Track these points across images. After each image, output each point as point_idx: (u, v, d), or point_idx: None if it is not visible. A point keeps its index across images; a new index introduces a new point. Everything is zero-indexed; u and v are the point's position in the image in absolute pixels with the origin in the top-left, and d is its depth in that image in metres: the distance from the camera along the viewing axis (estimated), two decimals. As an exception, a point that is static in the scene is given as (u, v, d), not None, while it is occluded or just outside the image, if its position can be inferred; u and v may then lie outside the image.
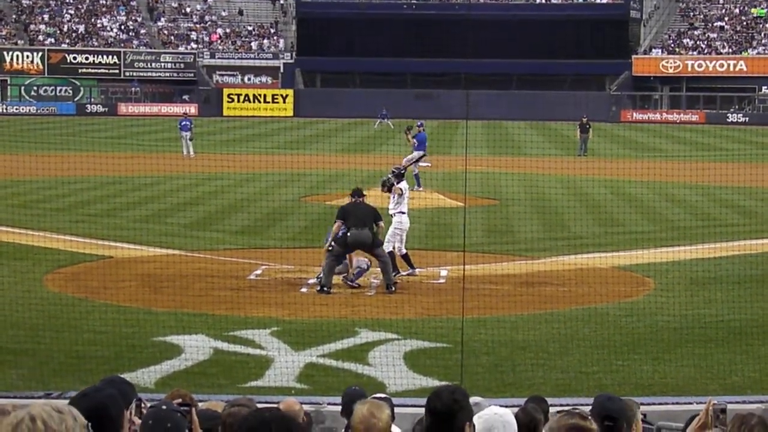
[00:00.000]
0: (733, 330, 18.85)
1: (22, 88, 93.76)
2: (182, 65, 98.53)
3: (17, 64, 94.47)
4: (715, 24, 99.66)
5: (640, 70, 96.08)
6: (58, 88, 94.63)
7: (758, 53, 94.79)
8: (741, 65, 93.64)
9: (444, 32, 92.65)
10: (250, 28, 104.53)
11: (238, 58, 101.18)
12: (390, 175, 24.43)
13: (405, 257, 23.79)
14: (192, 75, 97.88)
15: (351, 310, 20.64)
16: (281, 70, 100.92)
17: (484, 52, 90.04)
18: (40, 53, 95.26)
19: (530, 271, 24.47)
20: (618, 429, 7.24)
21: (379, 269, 22.80)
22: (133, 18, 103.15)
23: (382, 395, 9.09)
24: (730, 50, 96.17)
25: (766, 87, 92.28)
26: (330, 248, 21.95)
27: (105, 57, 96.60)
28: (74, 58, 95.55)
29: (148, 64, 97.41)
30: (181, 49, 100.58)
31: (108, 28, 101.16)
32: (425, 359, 17.10)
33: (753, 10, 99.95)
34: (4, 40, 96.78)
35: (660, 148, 65.31)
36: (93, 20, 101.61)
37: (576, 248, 28.23)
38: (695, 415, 7.43)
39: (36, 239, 27.89)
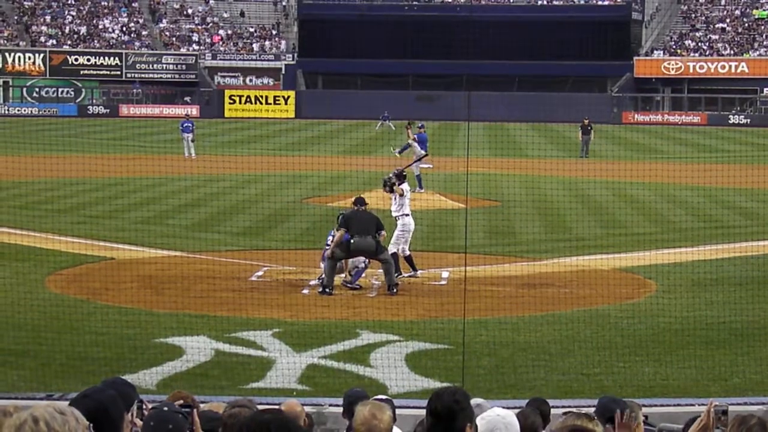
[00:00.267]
0: (735, 332, 18.84)
1: (24, 89, 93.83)
2: (184, 67, 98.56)
3: (19, 65, 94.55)
4: (716, 26, 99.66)
5: (642, 72, 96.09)
6: (60, 90, 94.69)
7: (760, 55, 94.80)
8: (742, 67, 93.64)
9: (446, 34, 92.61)
10: (251, 30, 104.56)
11: (240, 60, 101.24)
12: (391, 175, 24.44)
13: (408, 259, 23.80)
14: (194, 76, 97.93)
15: (352, 312, 20.64)
16: (283, 72, 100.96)
17: (486, 53, 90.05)
18: (42, 55, 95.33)
19: (532, 273, 24.46)
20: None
21: (379, 270, 22.81)
22: (135, 19, 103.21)
23: (384, 397, 9.09)
24: (732, 52, 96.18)
25: (767, 88, 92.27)
26: (331, 255, 21.95)
27: (107, 58, 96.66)
28: (76, 60, 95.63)
29: (150, 66, 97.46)
30: (183, 50, 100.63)
31: (110, 30, 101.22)
32: (426, 361, 17.10)
33: (754, 11, 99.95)
34: (6, 42, 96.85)
35: (661, 150, 65.29)
36: (95, 22, 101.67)
37: (577, 250, 28.24)
38: (695, 416, 7.44)
39: (38, 240, 27.91)
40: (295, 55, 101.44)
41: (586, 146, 59.50)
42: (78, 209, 34.91)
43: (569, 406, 9.86)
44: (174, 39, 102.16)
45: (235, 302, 20.87)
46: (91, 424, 4.62)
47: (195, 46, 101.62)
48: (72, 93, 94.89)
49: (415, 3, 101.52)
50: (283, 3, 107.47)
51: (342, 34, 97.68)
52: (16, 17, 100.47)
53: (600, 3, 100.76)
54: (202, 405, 8.19)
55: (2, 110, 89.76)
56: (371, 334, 18.62)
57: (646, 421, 9.07)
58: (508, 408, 7.15)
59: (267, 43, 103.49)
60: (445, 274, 24.35)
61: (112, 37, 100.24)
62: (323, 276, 22.24)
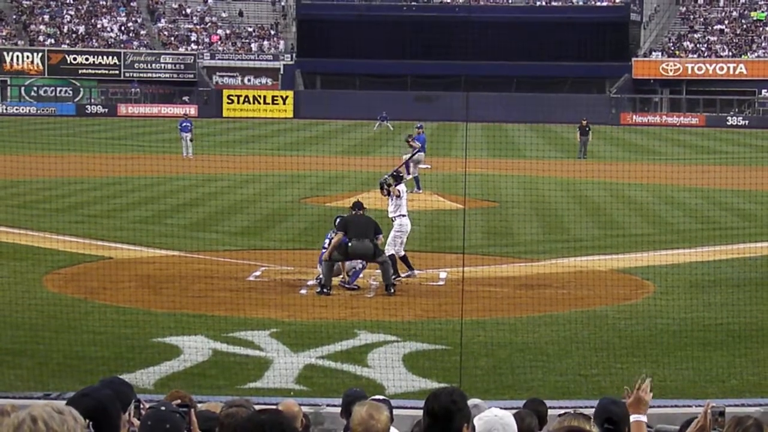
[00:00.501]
0: (732, 333, 18.86)
1: (22, 88, 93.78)
2: (182, 66, 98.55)
3: (17, 64, 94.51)
4: (715, 27, 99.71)
5: (640, 73, 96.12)
6: (58, 89, 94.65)
7: (758, 56, 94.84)
8: (741, 68, 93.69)
9: (444, 34, 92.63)
10: (250, 30, 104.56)
11: (238, 60, 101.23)
12: (387, 176, 24.44)
13: (403, 259, 23.80)
14: (192, 76, 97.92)
15: (350, 312, 20.64)
16: (281, 72, 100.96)
17: (484, 54, 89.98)
18: (40, 54, 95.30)
19: (529, 274, 24.47)
20: (619, 432, 7.27)
21: (377, 271, 22.83)
22: (134, 19, 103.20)
23: (381, 397, 9.10)
24: (730, 53, 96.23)
25: (765, 90, 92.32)
26: (329, 258, 21.98)
27: (105, 58, 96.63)
28: (74, 59, 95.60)
29: (148, 65, 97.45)
30: (181, 50, 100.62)
31: (108, 29, 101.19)
32: (424, 361, 17.10)
33: (753, 13, 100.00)
34: (4, 41, 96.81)
35: (660, 151, 65.31)
36: (93, 21, 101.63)
37: (575, 251, 28.25)
38: (692, 418, 7.45)
39: (35, 240, 27.90)
40: (294, 55, 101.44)
41: (584, 147, 59.51)
42: (76, 208, 34.90)
43: (567, 407, 9.87)
44: (172, 38, 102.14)
45: (233, 302, 20.88)
46: (91, 422, 4.63)
47: (193, 46, 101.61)
48: (70, 92, 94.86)
49: (413, 3, 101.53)
50: (282, 3, 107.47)
51: (340, 35, 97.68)
52: (14, 16, 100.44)
53: (598, 4, 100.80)
54: (199, 405, 8.20)
55: (0, 109, 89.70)
56: (369, 335, 18.62)
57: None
58: (505, 408, 7.15)
59: (265, 43, 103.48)
60: (442, 275, 24.35)
61: (111, 37, 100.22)
62: (321, 276, 22.26)
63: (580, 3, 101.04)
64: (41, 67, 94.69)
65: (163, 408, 6.21)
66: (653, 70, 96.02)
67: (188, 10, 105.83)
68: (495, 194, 38.65)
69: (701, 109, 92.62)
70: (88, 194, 39.02)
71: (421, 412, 6.27)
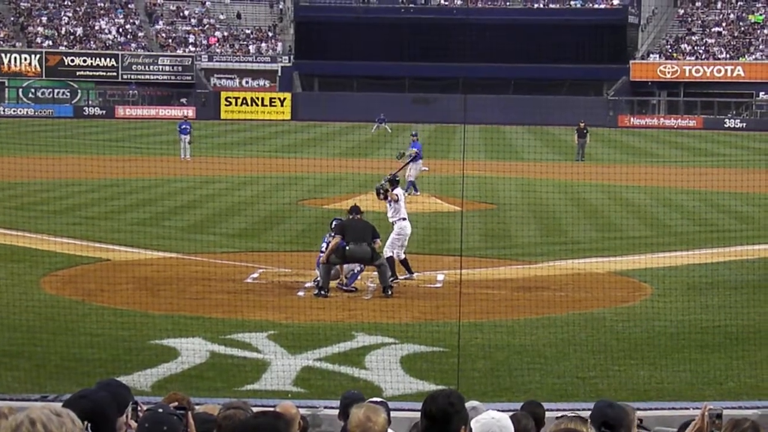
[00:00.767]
0: (730, 335, 18.85)
1: (20, 90, 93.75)
2: (180, 68, 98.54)
3: (15, 66, 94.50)
4: (712, 29, 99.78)
5: (638, 75, 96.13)
6: (56, 91, 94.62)
7: (756, 59, 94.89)
8: (738, 71, 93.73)
9: (442, 36, 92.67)
10: (248, 32, 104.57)
11: (236, 62, 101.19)
12: (384, 182, 24.41)
13: (404, 262, 23.81)
14: (190, 78, 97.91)
15: (348, 314, 20.64)
16: (279, 74, 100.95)
17: (482, 56, 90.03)
18: (38, 55, 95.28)
19: (527, 276, 24.47)
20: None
21: (374, 273, 22.84)
22: (131, 21, 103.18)
23: (379, 399, 9.10)
24: (728, 56, 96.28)
25: (763, 92, 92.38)
26: (326, 261, 21.99)
27: (103, 60, 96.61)
28: (72, 61, 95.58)
29: (146, 67, 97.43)
30: (179, 52, 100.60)
31: (106, 31, 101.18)
32: (422, 363, 17.10)
33: (750, 16, 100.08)
34: (1, 42, 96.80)
35: (657, 154, 65.34)
36: (91, 23, 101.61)
37: (573, 253, 28.25)
38: (690, 420, 7.46)
39: (33, 241, 27.89)
40: (292, 57, 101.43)
41: (581, 149, 59.54)
42: (73, 210, 34.89)
43: (564, 410, 9.88)
44: (170, 40, 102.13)
45: (231, 304, 20.87)
46: (90, 424, 4.63)
47: (191, 48, 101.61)
48: (68, 94, 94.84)
49: (411, 5, 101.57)
50: (280, 5, 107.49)
51: (338, 37, 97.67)
52: (12, 18, 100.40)
53: (596, 6, 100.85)
54: (197, 407, 8.19)
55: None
56: (366, 337, 18.62)
57: (641, 424, 9.08)
58: (502, 411, 7.15)
59: (263, 45, 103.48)
60: (440, 277, 24.35)
61: (109, 39, 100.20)
62: (319, 279, 22.26)
63: (578, 5, 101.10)
64: (39, 68, 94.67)
65: (160, 410, 6.21)
66: (651, 73, 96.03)
67: (186, 12, 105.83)
68: (492, 196, 38.65)
69: (699, 111, 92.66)
70: (86, 196, 39.01)
71: (418, 415, 6.28)
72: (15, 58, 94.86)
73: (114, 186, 41.42)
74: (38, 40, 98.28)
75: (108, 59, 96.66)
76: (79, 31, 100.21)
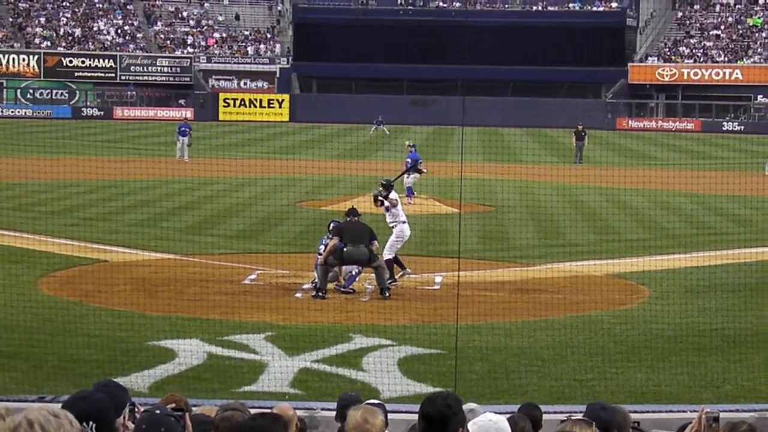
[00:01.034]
0: (727, 338, 18.86)
1: (18, 91, 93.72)
2: (178, 69, 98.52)
3: (13, 66, 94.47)
4: (711, 32, 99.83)
5: (636, 78, 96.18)
6: (54, 92, 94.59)
7: (754, 62, 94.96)
8: (737, 74, 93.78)
9: (440, 38, 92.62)
10: (246, 33, 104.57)
11: (235, 63, 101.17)
12: (380, 188, 24.34)
13: (395, 260, 23.76)
14: (188, 79, 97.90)
15: (345, 316, 20.65)
16: (277, 75, 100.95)
17: (481, 58, 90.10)
18: (37, 56, 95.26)
19: (525, 278, 24.48)
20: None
21: (372, 275, 22.84)
22: (130, 22, 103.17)
23: (376, 401, 9.10)
24: (726, 59, 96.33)
25: (761, 95, 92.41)
26: (324, 262, 21.99)
27: (101, 60, 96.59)
28: (70, 62, 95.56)
29: (145, 68, 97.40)
30: (178, 53, 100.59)
31: (104, 32, 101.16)
32: (419, 365, 17.10)
33: (749, 19, 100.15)
34: (0, 43, 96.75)
35: (655, 156, 65.37)
36: (89, 24, 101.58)
37: (571, 256, 28.26)
38: (687, 423, 7.46)
39: (31, 242, 27.88)
40: (290, 58, 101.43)
41: (579, 152, 59.56)
42: (71, 211, 34.88)
43: (561, 412, 9.88)
44: (168, 42, 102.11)
45: (228, 305, 20.87)
46: (94, 425, 4.63)
47: (190, 49, 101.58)
48: (66, 95, 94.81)
49: (409, 7, 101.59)
50: (278, 7, 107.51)
51: (337, 38, 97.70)
52: (10, 18, 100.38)
53: (595, 9, 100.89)
54: (194, 408, 8.20)
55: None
56: (364, 339, 18.62)
57: (638, 427, 9.08)
58: (499, 413, 7.16)
59: (262, 46, 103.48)
60: (438, 279, 24.35)
61: (107, 40, 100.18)
62: (316, 280, 22.27)
63: (577, 8, 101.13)
64: (37, 69, 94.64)
65: (157, 411, 6.21)
66: (649, 75, 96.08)
67: (184, 14, 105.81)
68: (491, 199, 38.67)
69: (697, 114, 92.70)
70: (84, 197, 39.00)
71: (416, 417, 6.28)
72: (13, 58, 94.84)
73: (112, 187, 41.42)
74: (36, 40, 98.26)
75: (106, 60, 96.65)
76: (78, 32, 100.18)
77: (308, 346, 17.84)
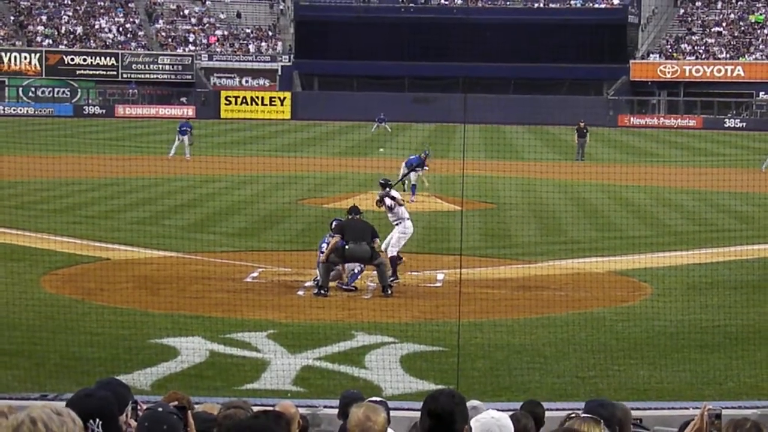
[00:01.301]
0: (730, 335, 18.86)
1: (20, 89, 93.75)
2: (180, 67, 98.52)
3: (15, 65, 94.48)
4: (713, 29, 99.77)
5: (638, 75, 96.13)
6: (56, 90, 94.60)
7: (756, 59, 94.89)
8: (738, 71, 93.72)
9: (442, 36, 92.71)
10: (248, 31, 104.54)
11: (236, 61, 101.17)
12: (381, 191, 24.27)
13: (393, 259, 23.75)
14: (190, 77, 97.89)
15: (348, 314, 20.65)
16: (279, 73, 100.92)
17: (482, 56, 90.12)
18: (38, 54, 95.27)
19: (527, 276, 24.47)
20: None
21: (374, 272, 22.84)
22: (131, 20, 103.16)
23: (378, 399, 9.10)
24: (728, 56, 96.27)
25: (763, 92, 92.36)
26: (326, 260, 22.00)
27: (103, 59, 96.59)
28: (72, 60, 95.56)
29: (146, 66, 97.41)
30: (179, 51, 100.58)
31: (106, 30, 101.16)
32: (421, 363, 17.10)
33: (751, 16, 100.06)
34: (1, 41, 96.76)
35: (657, 153, 65.34)
36: (91, 22, 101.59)
37: (573, 253, 28.25)
38: (689, 420, 7.46)
39: (33, 240, 27.89)
40: (292, 56, 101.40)
41: (581, 149, 59.54)
42: (73, 209, 34.89)
43: (564, 409, 9.88)
44: (170, 40, 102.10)
45: (230, 303, 20.87)
46: (100, 422, 4.63)
47: (191, 47, 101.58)
48: (68, 93, 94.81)
49: (411, 5, 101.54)
50: (280, 4, 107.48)
51: (338, 36, 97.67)
52: (12, 17, 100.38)
53: (597, 6, 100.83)
54: (196, 406, 8.20)
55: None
56: (366, 336, 18.63)
57: (640, 424, 9.08)
58: (502, 410, 7.16)
59: (263, 44, 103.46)
60: (440, 276, 24.35)
61: (109, 38, 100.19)
62: (318, 278, 22.27)
63: (578, 5, 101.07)
64: (39, 67, 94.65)
65: (160, 409, 6.21)
66: (651, 72, 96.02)
67: (186, 12, 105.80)
68: (492, 196, 38.65)
69: (699, 111, 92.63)
70: (86, 195, 39.01)
71: (418, 414, 6.27)
72: (15, 57, 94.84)
73: (114, 185, 41.43)
74: (38, 39, 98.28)
75: (108, 58, 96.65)
76: (79, 30, 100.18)
77: (310, 344, 17.85)
